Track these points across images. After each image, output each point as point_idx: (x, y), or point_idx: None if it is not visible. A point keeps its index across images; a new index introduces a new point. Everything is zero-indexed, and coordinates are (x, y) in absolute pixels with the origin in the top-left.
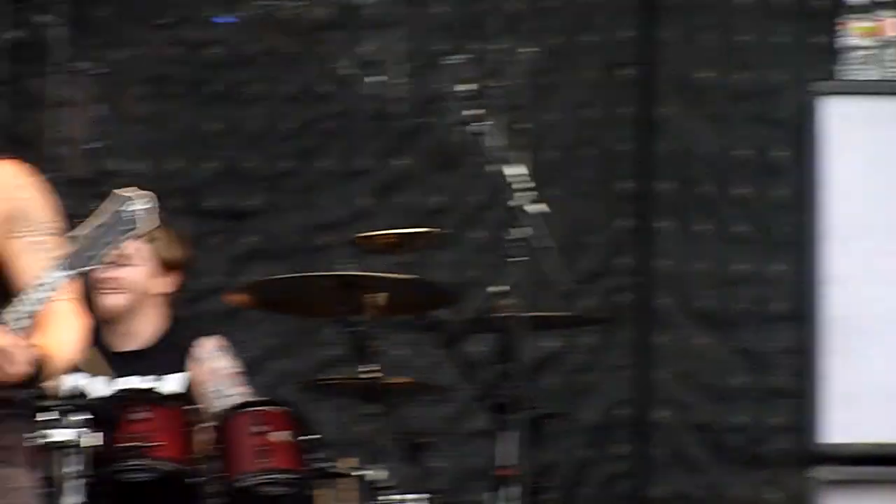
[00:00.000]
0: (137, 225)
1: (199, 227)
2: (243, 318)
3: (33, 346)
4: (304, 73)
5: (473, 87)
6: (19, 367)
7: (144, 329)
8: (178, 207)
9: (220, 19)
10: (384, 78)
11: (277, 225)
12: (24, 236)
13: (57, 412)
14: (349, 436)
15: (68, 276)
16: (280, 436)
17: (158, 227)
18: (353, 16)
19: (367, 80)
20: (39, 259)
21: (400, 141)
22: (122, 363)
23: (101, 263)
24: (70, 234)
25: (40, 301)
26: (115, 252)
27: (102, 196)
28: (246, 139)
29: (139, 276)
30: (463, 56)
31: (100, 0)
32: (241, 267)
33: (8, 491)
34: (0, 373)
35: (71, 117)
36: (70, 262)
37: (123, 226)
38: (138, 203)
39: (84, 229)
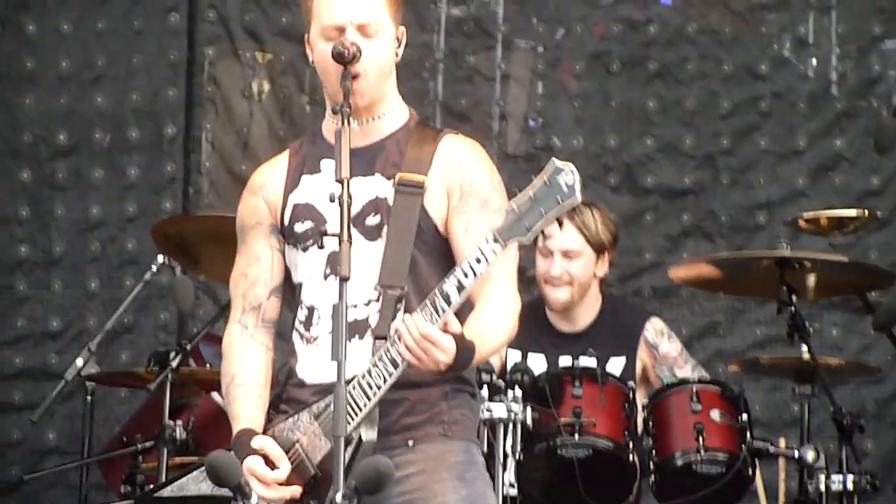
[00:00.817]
0: (571, 196)
1: (636, 204)
2: (677, 295)
3: (459, 335)
4: (742, 53)
5: None
6: (442, 357)
7: (585, 312)
8: (615, 184)
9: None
10: (822, 59)
11: (713, 203)
12: (469, 212)
13: (497, 387)
14: (782, 415)
15: (503, 246)
16: (716, 415)
17: (592, 209)
18: None
19: (805, 61)
20: (481, 235)
21: (836, 122)
22: (565, 343)
23: (536, 234)
24: (506, 205)
25: (475, 273)
26: (549, 223)
27: (539, 171)
28: (683, 117)
29: (584, 269)
30: None
31: None
32: (676, 244)
33: (447, 464)
34: (426, 360)
35: (510, 92)
36: (505, 232)
37: (558, 196)
38: (572, 174)
39: (519, 200)
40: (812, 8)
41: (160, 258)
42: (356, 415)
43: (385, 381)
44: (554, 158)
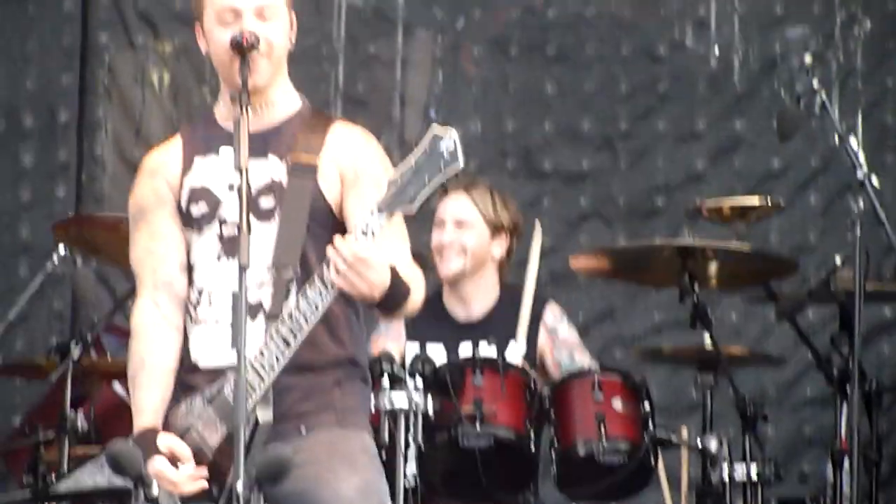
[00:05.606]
0: (454, 162)
1: (533, 189)
2: (574, 280)
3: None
4: (640, 36)
5: (811, 54)
6: (377, 278)
7: (482, 295)
8: (512, 168)
9: None
10: (722, 41)
11: (611, 187)
12: (365, 191)
13: (398, 377)
14: (682, 400)
15: (389, 216)
16: (619, 404)
17: (492, 190)
18: None
19: (705, 43)
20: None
21: (736, 104)
22: (463, 331)
23: (421, 202)
24: (389, 176)
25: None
26: (433, 190)
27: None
28: (581, 100)
29: (477, 241)
30: (801, 24)
31: None
32: (574, 229)
33: (340, 452)
34: (360, 283)
35: (410, 79)
36: (390, 203)
37: (440, 164)
38: (452, 140)
39: (401, 170)
40: None
41: (61, 249)
42: (250, 397)
43: (278, 360)
44: (434, 125)
